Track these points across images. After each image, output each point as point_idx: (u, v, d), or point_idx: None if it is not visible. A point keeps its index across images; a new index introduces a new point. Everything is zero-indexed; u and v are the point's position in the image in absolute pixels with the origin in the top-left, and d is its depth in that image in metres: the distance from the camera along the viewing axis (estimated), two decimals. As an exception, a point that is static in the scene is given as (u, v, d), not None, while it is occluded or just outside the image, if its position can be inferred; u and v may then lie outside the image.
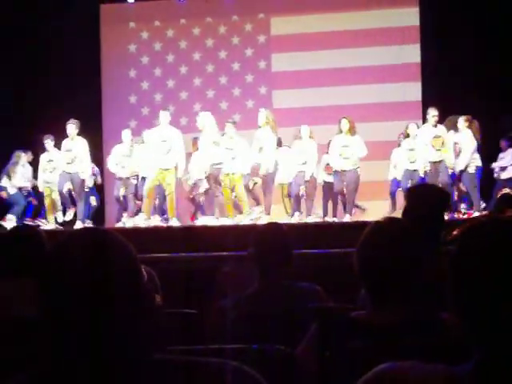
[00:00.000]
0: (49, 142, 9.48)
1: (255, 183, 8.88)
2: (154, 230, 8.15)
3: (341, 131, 8.85)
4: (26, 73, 11.10)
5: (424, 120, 9.31)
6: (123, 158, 9.53)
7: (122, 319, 1.17)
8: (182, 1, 11.99)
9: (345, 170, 8.81)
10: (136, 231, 7.99)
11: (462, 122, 8.78)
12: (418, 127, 8.95)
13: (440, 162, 8.56)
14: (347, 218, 8.77)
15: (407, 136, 8.96)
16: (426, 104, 10.45)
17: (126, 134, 9.61)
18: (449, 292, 1.13)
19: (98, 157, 10.36)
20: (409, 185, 8.60)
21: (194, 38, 12.16)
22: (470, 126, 8.78)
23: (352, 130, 8.76)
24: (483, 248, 1.10)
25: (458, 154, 8.85)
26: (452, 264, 1.14)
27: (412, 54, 11.38)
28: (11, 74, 11.00)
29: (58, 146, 9.42)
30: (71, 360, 1.15)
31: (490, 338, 1.09)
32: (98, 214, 10.52)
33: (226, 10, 11.99)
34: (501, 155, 9.79)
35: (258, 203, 8.74)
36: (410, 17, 11.44)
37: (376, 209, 9.76)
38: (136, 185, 9.57)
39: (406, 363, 1.18)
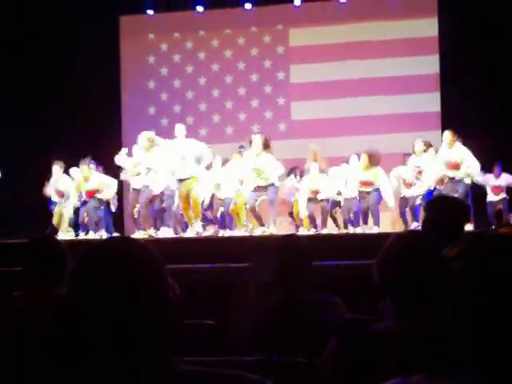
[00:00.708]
0: (57, 169, 9.33)
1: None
2: (172, 242, 8.15)
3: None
4: (45, 85, 11.20)
5: (443, 131, 9.25)
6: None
7: (149, 328, 1.18)
8: (201, 13, 12.06)
9: (363, 192, 8.77)
10: (154, 242, 7.99)
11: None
12: (425, 144, 8.79)
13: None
14: (376, 230, 8.67)
15: (414, 153, 8.84)
16: (445, 115, 10.40)
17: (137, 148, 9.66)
18: (449, 308, 1.13)
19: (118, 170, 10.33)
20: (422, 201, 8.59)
21: (212, 49, 12.23)
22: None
23: (373, 162, 8.64)
24: (484, 265, 1.10)
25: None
26: (453, 281, 1.14)
27: (431, 64, 11.34)
28: (29, 86, 11.11)
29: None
30: (98, 367, 1.17)
31: (490, 355, 1.09)
32: (116, 225, 10.54)
33: (245, 21, 12.05)
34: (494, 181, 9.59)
35: (260, 223, 8.60)
36: (429, 27, 11.41)
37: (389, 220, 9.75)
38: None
39: (413, 379, 1.20)
